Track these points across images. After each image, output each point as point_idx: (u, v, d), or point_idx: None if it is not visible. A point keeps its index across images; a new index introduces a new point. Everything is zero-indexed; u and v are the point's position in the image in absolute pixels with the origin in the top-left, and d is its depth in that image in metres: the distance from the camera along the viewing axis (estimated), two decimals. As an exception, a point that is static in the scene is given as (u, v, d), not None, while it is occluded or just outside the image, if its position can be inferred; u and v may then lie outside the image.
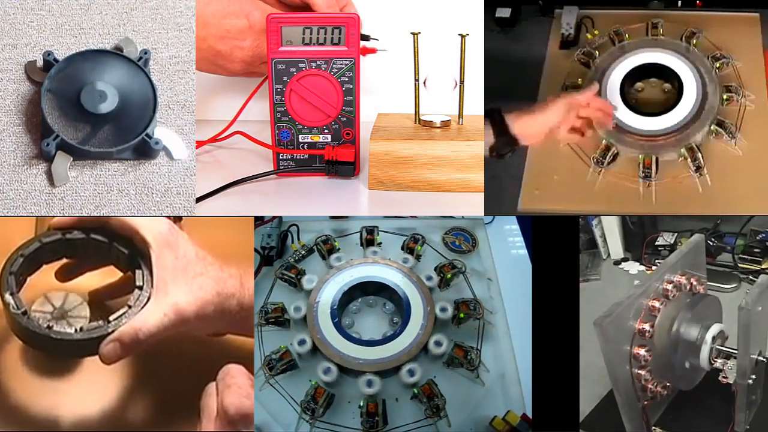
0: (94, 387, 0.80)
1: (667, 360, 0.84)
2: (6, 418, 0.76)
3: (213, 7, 0.94)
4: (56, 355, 0.78)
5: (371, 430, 0.74)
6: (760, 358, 0.84)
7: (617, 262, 1.36)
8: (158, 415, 0.78)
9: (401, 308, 0.86)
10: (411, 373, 0.78)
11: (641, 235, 1.36)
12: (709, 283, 1.17)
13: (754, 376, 0.82)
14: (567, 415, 0.82)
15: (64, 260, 0.81)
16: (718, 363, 0.84)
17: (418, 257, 0.95)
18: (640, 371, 0.81)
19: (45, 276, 0.80)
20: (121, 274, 0.82)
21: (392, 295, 0.89)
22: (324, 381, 0.78)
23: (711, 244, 1.26)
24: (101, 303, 0.83)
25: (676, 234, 1.34)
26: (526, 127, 0.87)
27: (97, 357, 0.72)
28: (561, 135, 0.90)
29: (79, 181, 0.90)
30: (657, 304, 0.84)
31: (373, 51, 0.97)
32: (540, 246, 0.90)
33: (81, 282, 0.83)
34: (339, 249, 0.95)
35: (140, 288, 0.75)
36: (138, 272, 0.76)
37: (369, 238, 0.96)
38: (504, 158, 0.88)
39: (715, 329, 0.85)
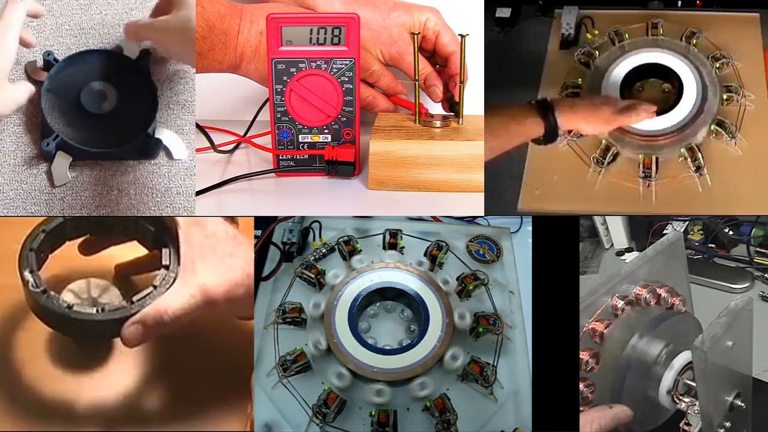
0: (113, 371, 0.77)
1: (617, 388, 0.73)
2: (19, 401, 0.73)
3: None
4: (76, 336, 0.76)
5: None
6: (737, 402, 0.71)
7: (620, 253, 1.27)
8: (182, 404, 0.75)
9: (419, 316, 0.85)
10: (422, 386, 0.77)
11: (647, 223, 1.24)
12: (716, 282, 1.09)
13: (728, 424, 0.70)
14: (567, 417, 0.82)
15: (88, 236, 0.79)
16: (683, 404, 0.72)
17: (440, 265, 0.93)
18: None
19: (68, 253, 0.78)
20: (146, 251, 0.80)
21: (411, 301, 0.87)
22: (336, 386, 0.77)
23: (726, 232, 1.16)
24: (127, 278, 0.80)
25: (687, 222, 1.22)
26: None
27: (118, 339, 0.69)
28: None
29: (79, 181, 0.90)
30: (600, 327, 0.72)
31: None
32: (540, 246, 0.89)
33: (105, 258, 0.80)
34: (360, 251, 0.93)
35: (166, 267, 0.72)
36: (165, 251, 0.73)
37: (392, 242, 0.95)
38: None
39: (685, 357, 0.73)
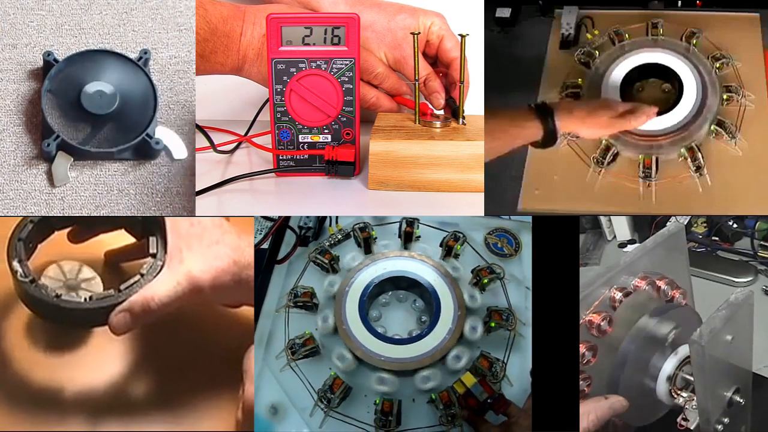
0: (101, 359, 0.78)
1: (613, 380, 0.72)
2: (7, 387, 0.74)
3: None
4: (64, 325, 0.76)
5: (383, 428, 0.74)
6: (736, 398, 0.70)
7: (623, 245, 1.26)
8: (171, 391, 0.76)
9: (431, 307, 0.84)
10: (427, 379, 0.77)
11: (650, 215, 1.19)
12: (719, 275, 1.09)
13: (726, 420, 0.69)
14: (566, 416, 0.82)
15: (75, 225, 0.80)
16: (681, 398, 0.71)
17: (456, 256, 0.91)
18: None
19: (56, 242, 0.79)
20: (133, 239, 0.81)
21: (423, 292, 0.86)
22: (339, 368, 0.78)
23: (730, 225, 1.15)
24: (116, 266, 0.81)
25: (690, 215, 1.19)
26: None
27: (106, 327, 0.70)
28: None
29: (79, 181, 0.90)
30: (597, 319, 0.71)
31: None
32: (540, 246, 0.89)
33: (94, 246, 0.80)
34: (376, 238, 0.93)
35: (154, 256, 0.73)
36: (152, 239, 0.74)
37: (408, 231, 0.93)
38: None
39: (685, 351, 0.72)
